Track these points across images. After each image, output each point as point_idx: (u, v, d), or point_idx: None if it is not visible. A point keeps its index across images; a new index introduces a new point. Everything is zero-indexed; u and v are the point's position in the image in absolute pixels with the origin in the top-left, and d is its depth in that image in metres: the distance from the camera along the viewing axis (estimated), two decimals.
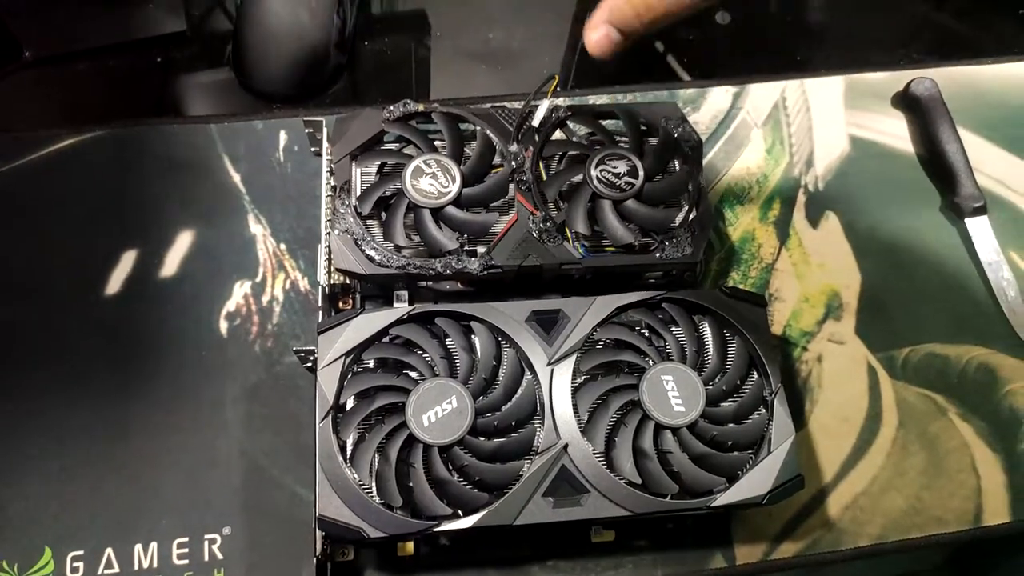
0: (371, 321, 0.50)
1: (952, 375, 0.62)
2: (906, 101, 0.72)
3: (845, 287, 0.65)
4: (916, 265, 0.66)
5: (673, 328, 0.52)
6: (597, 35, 0.46)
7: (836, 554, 0.56)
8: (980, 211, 0.67)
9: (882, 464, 0.59)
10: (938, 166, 0.69)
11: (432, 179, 0.53)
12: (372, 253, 0.52)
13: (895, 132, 0.72)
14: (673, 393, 0.50)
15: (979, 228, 0.67)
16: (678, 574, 0.55)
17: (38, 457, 0.55)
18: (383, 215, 0.54)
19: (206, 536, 0.54)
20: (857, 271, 0.66)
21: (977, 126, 0.72)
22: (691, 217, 0.56)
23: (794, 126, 0.72)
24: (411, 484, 0.47)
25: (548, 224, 0.53)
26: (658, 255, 0.54)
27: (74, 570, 0.53)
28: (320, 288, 0.54)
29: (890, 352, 0.63)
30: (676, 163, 0.58)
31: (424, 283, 0.55)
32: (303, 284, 0.62)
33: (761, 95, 0.73)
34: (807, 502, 0.57)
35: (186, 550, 0.53)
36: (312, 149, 0.63)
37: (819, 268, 0.66)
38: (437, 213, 0.53)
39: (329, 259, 0.55)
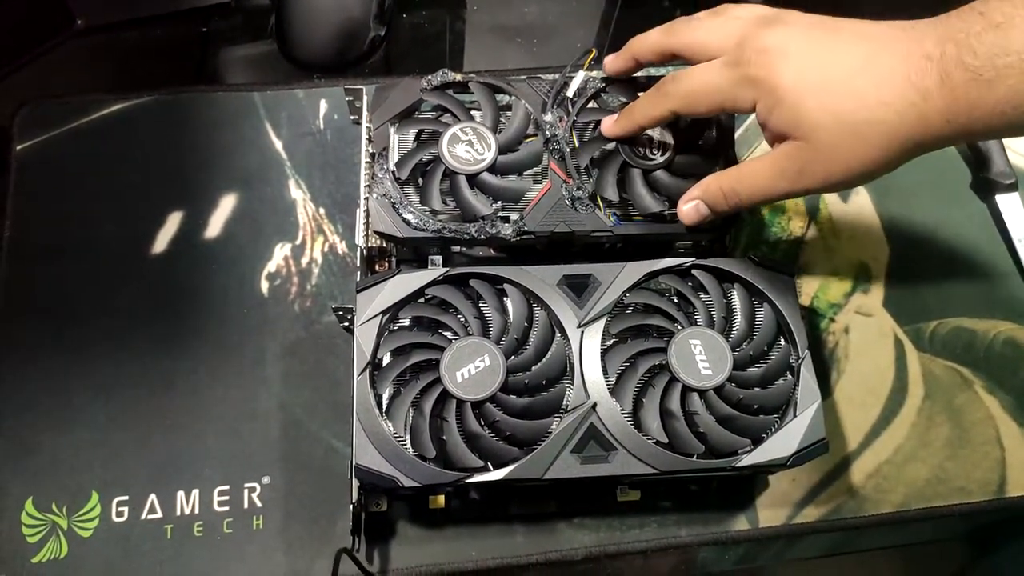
0: (408, 281, 0.52)
1: (979, 349, 0.63)
2: None
3: (874, 260, 0.66)
4: (945, 240, 0.67)
5: (702, 294, 0.53)
6: (688, 208, 0.52)
7: (858, 520, 0.57)
8: (1011, 188, 0.67)
9: (907, 434, 0.60)
10: (970, 143, 0.69)
11: (468, 146, 0.54)
12: (409, 217, 0.53)
13: None
14: (701, 357, 0.50)
15: (1010, 205, 0.67)
16: (701, 535, 0.56)
17: (87, 407, 0.58)
18: (420, 181, 0.55)
19: (246, 485, 0.56)
20: (886, 245, 0.66)
21: None
22: None
23: None
24: (444, 437, 0.49)
25: (580, 192, 0.55)
26: (689, 228, 0.55)
27: (119, 514, 0.55)
28: (358, 250, 0.56)
29: (917, 325, 0.63)
30: (710, 135, 0.59)
31: (458, 248, 0.56)
32: (341, 247, 0.64)
33: None
34: (831, 469, 0.58)
35: (227, 497, 0.56)
36: (351, 117, 0.65)
37: (848, 241, 0.66)
38: (472, 179, 0.54)
39: (367, 222, 0.56)
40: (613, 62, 0.55)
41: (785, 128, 0.44)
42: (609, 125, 0.54)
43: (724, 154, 0.57)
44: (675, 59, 0.50)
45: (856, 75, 0.41)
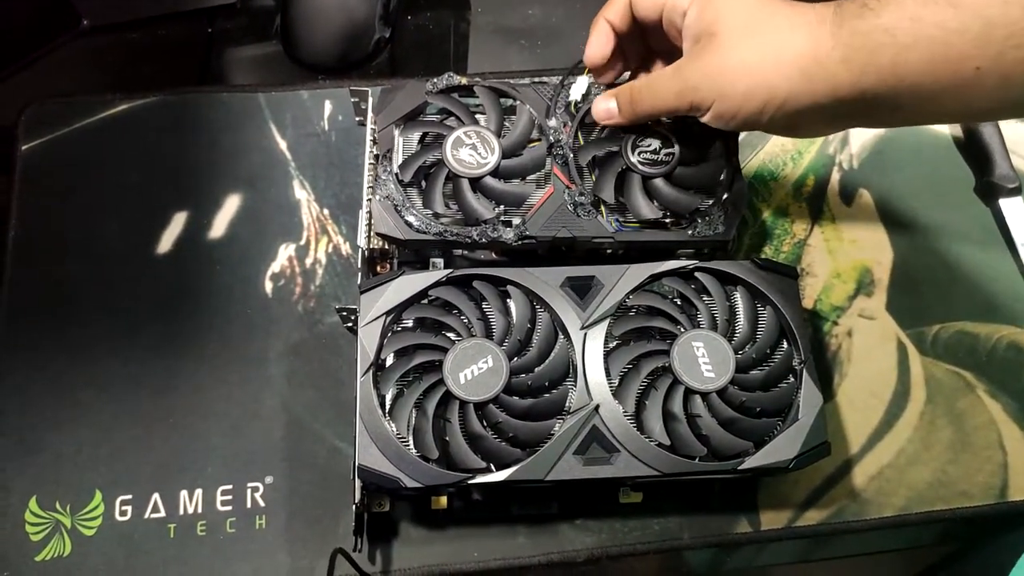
0: (411, 282, 0.52)
1: (982, 353, 0.63)
2: None
3: (877, 264, 0.66)
4: (948, 244, 0.67)
5: (705, 297, 0.53)
6: (600, 105, 0.53)
7: (860, 523, 0.57)
8: (1015, 192, 0.67)
9: (909, 437, 0.60)
10: (973, 146, 0.69)
11: (472, 150, 0.55)
12: (411, 219, 0.54)
13: None
14: (704, 359, 0.51)
15: (1013, 209, 0.67)
16: (703, 537, 0.56)
17: (91, 406, 0.58)
18: (423, 184, 0.56)
19: (249, 484, 0.56)
20: (889, 248, 0.66)
21: None
22: (725, 196, 0.56)
23: None
24: (447, 438, 0.49)
25: (583, 198, 0.55)
26: (690, 232, 0.55)
27: (122, 513, 0.55)
28: (359, 251, 0.56)
29: (920, 329, 0.64)
30: (716, 147, 0.58)
31: (459, 251, 0.56)
32: (345, 248, 0.64)
33: None
34: (833, 472, 0.58)
35: (229, 497, 0.56)
36: (356, 119, 0.65)
37: (851, 244, 0.66)
38: (475, 183, 0.54)
39: (369, 224, 0.56)
40: (592, 45, 0.54)
41: (706, 22, 0.46)
42: (588, 48, 0.54)
43: (728, 164, 0.57)
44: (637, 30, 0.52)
45: (779, 5, 0.45)
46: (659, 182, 0.55)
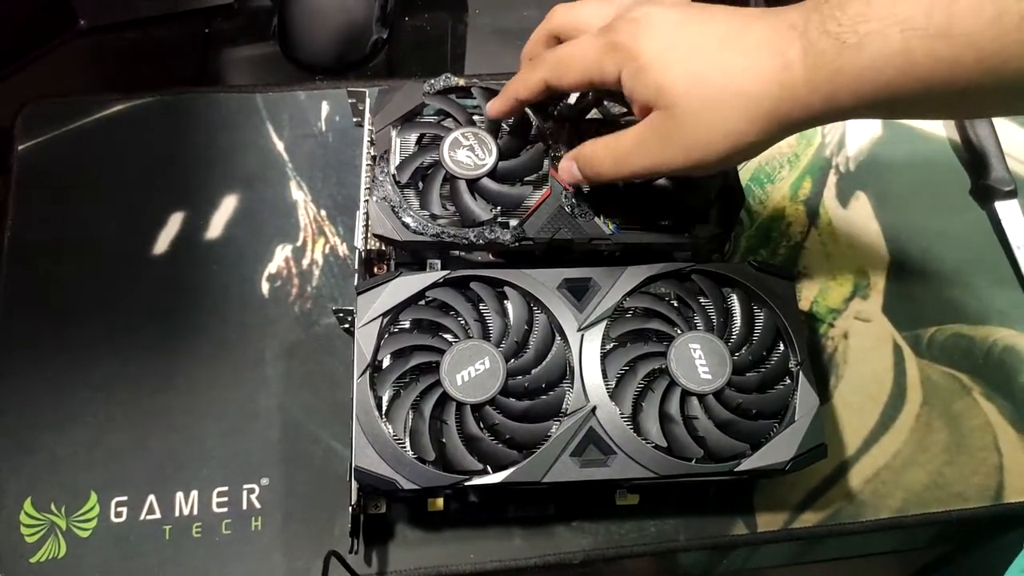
0: (408, 284, 0.52)
1: (978, 355, 0.63)
2: None
3: (873, 266, 0.66)
4: (944, 247, 0.67)
5: (702, 299, 0.53)
6: (563, 165, 0.51)
7: (856, 525, 0.57)
8: (1010, 195, 0.68)
9: (905, 440, 0.60)
10: (969, 150, 0.70)
11: (469, 151, 0.54)
12: (408, 221, 0.53)
13: None
14: (700, 361, 0.51)
15: (1009, 212, 0.67)
16: (700, 539, 0.56)
17: (87, 407, 0.58)
18: (420, 185, 0.56)
19: (245, 486, 0.56)
20: (885, 251, 0.66)
21: None
22: (721, 199, 0.56)
23: None
24: (443, 440, 0.49)
25: (581, 200, 0.55)
26: (686, 234, 0.55)
27: (118, 514, 0.55)
28: (356, 252, 0.56)
29: (916, 331, 0.64)
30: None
31: (457, 252, 0.56)
32: (342, 249, 0.64)
33: None
34: (829, 474, 0.58)
35: (225, 499, 0.56)
36: (354, 119, 0.65)
37: (848, 247, 0.66)
38: (472, 184, 0.54)
39: (367, 225, 0.56)
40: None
41: (649, 97, 0.42)
42: (490, 105, 0.53)
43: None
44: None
45: (723, 45, 0.41)
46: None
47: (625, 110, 0.58)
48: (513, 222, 0.54)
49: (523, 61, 0.53)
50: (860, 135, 0.71)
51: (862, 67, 0.37)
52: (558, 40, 0.50)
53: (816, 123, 0.41)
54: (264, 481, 0.56)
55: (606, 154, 0.47)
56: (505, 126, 0.56)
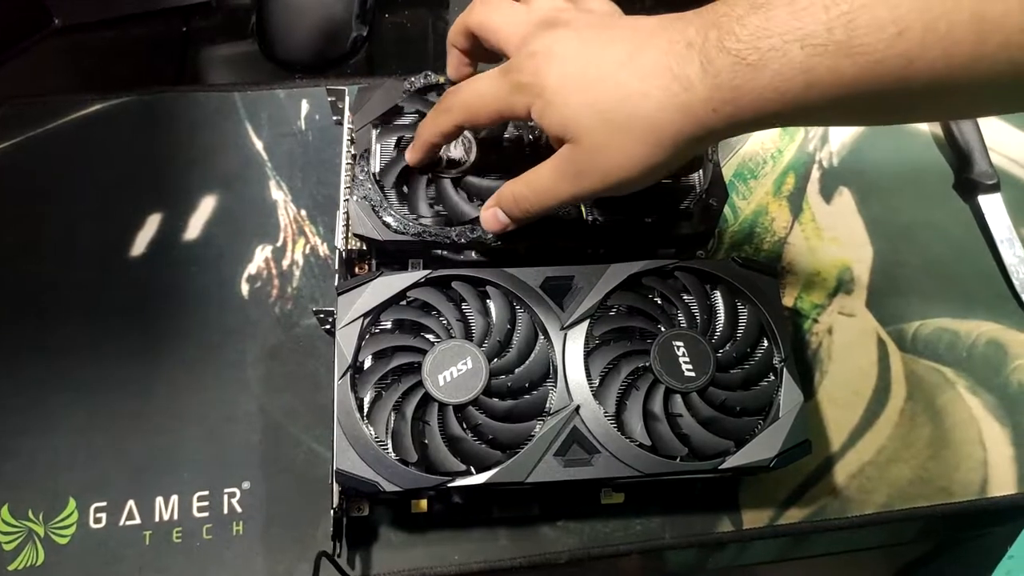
0: (389, 284, 0.51)
1: (961, 349, 0.63)
2: None
3: (857, 261, 0.66)
4: (928, 241, 0.67)
5: (685, 296, 0.53)
6: (487, 214, 0.50)
7: (842, 521, 0.57)
8: (993, 189, 0.68)
9: (889, 435, 0.60)
10: (952, 144, 0.70)
11: (451, 148, 0.54)
12: (389, 220, 0.53)
13: None
14: (684, 359, 0.50)
15: (992, 206, 0.67)
16: (686, 537, 0.56)
17: (65, 411, 0.57)
18: (404, 187, 0.55)
19: (226, 490, 0.55)
20: (869, 246, 0.66)
21: None
22: (704, 195, 0.56)
23: None
24: (426, 441, 0.48)
25: None
26: (670, 231, 0.55)
27: (97, 520, 0.54)
28: (337, 252, 0.55)
29: (900, 326, 0.64)
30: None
31: (439, 252, 0.56)
32: (322, 250, 0.63)
33: None
34: (814, 470, 0.58)
35: (206, 503, 0.55)
36: (334, 118, 0.64)
37: (831, 242, 0.66)
38: (458, 182, 0.54)
39: (347, 224, 0.56)
40: (448, 64, 0.54)
41: (557, 131, 0.43)
42: (408, 154, 0.53)
43: (707, 158, 0.57)
44: (478, 41, 0.50)
45: (619, 70, 0.40)
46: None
47: None
48: None
49: (448, 47, 0.52)
50: (843, 130, 0.71)
51: (763, 86, 0.36)
52: (474, 36, 0.49)
53: (723, 137, 0.41)
54: (245, 485, 0.55)
55: (529, 192, 0.47)
56: None
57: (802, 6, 0.35)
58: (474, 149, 0.54)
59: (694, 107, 0.38)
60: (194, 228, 0.63)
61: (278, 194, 0.65)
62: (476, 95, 0.46)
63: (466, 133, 0.54)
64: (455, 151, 0.54)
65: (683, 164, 0.43)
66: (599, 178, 0.43)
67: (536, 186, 0.46)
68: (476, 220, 0.53)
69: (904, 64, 0.34)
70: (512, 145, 0.55)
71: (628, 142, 0.41)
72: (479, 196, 0.54)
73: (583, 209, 0.54)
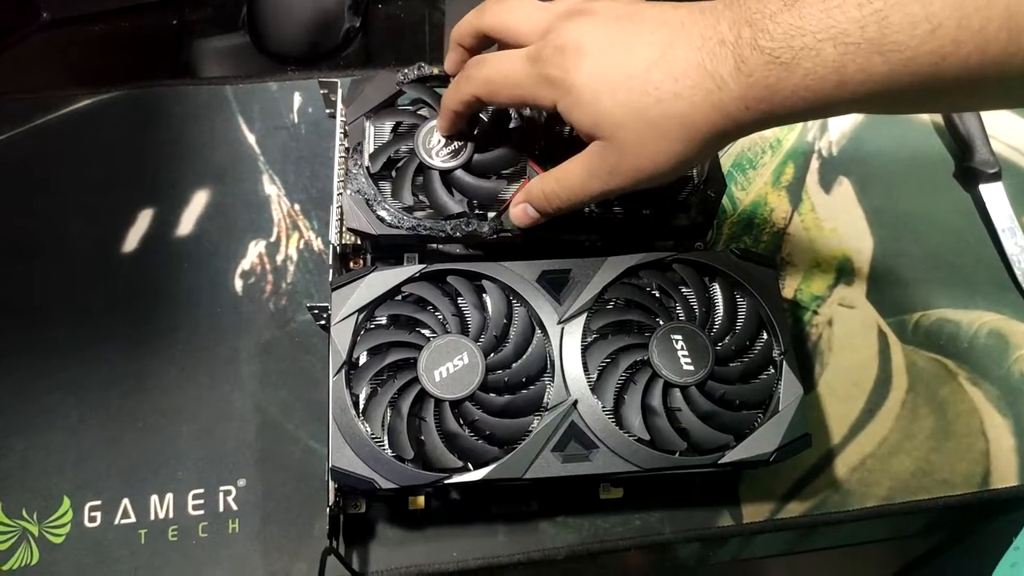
0: (384, 278, 0.51)
1: (963, 340, 0.62)
2: None
3: (857, 252, 0.65)
4: (929, 231, 0.66)
5: (683, 289, 0.53)
6: (516, 210, 0.51)
7: (843, 514, 0.57)
8: (995, 177, 0.67)
9: (891, 427, 0.59)
10: (953, 132, 0.69)
11: (445, 142, 0.53)
12: (383, 214, 0.52)
13: None
14: (682, 352, 0.50)
15: (993, 195, 0.67)
16: (685, 532, 0.56)
17: (58, 409, 0.56)
18: (394, 175, 0.54)
19: (221, 488, 0.55)
20: (869, 236, 0.66)
21: None
22: (703, 185, 0.55)
23: None
24: (422, 438, 0.48)
25: None
26: (668, 223, 0.54)
27: (91, 519, 0.54)
28: (331, 247, 0.55)
29: (901, 317, 0.63)
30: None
31: (434, 246, 0.55)
32: (317, 244, 0.63)
33: None
34: (815, 463, 0.58)
35: (201, 501, 0.54)
36: (327, 111, 0.63)
37: (831, 233, 0.66)
38: (446, 176, 0.53)
39: (341, 219, 0.55)
40: (448, 59, 0.53)
41: (588, 129, 0.42)
42: (438, 123, 0.52)
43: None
44: (491, 42, 0.49)
45: (652, 68, 0.40)
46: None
47: None
48: (491, 213, 0.53)
49: (451, 43, 0.52)
50: (842, 119, 0.70)
51: (795, 84, 0.36)
52: (487, 37, 0.49)
53: (753, 132, 0.41)
54: (241, 482, 0.55)
55: (559, 188, 0.47)
56: (483, 118, 0.55)
57: (835, 3, 0.35)
58: (470, 146, 0.53)
59: (727, 105, 0.38)
60: (186, 223, 0.63)
61: (271, 188, 0.64)
62: (501, 75, 0.46)
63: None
64: (452, 144, 0.53)
65: (711, 157, 0.42)
66: (631, 175, 0.43)
67: (567, 183, 0.46)
68: (459, 215, 0.52)
69: (936, 61, 0.33)
70: (508, 147, 0.54)
71: (661, 141, 0.41)
72: (464, 192, 0.53)
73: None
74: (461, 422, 0.48)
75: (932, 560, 0.64)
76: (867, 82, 0.35)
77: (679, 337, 0.50)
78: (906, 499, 0.57)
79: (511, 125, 0.55)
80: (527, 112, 0.55)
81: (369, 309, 0.50)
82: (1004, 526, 0.58)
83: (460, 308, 0.51)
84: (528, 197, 0.49)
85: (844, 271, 0.64)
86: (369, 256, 0.57)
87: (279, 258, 0.62)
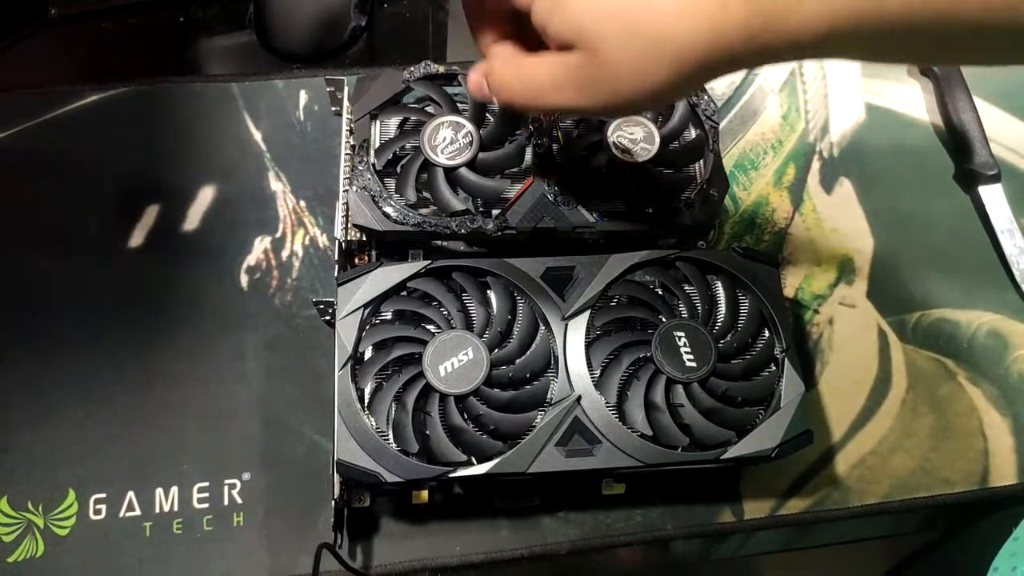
0: (389, 274, 0.51)
1: (962, 340, 0.63)
2: (922, 69, 0.73)
3: (858, 252, 0.65)
4: (929, 232, 0.67)
5: (686, 286, 0.53)
6: (474, 76, 0.45)
7: (843, 511, 0.57)
8: (994, 179, 0.68)
9: (891, 425, 0.60)
10: (953, 134, 0.70)
11: (451, 139, 0.54)
12: (389, 210, 0.53)
13: (911, 100, 0.73)
14: (685, 349, 0.50)
15: (992, 196, 0.67)
16: (687, 527, 0.56)
17: (64, 403, 0.57)
18: (399, 170, 0.55)
19: (226, 481, 0.55)
20: (870, 236, 0.66)
21: (992, 95, 0.72)
22: (705, 185, 0.56)
23: (810, 93, 0.72)
24: (427, 432, 0.48)
25: (564, 188, 0.54)
26: (671, 221, 0.54)
27: (97, 512, 0.54)
28: (336, 243, 0.55)
29: (901, 316, 0.64)
30: (692, 131, 0.58)
31: (439, 242, 0.55)
32: (322, 241, 0.63)
33: None
34: (815, 460, 0.58)
35: (206, 494, 0.55)
36: (332, 108, 0.64)
37: (832, 233, 0.66)
38: (450, 173, 0.53)
39: (346, 215, 0.55)
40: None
41: (568, 36, 0.37)
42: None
43: (709, 147, 0.56)
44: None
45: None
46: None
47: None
48: (496, 211, 0.53)
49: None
50: (843, 120, 0.71)
51: (805, 16, 0.33)
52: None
53: (745, 68, 0.38)
54: (245, 476, 0.55)
55: (519, 86, 0.42)
56: (490, 116, 0.56)
57: None
58: (475, 144, 0.53)
59: (727, 33, 0.35)
60: (192, 219, 0.63)
61: (277, 185, 0.65)
62: None
63: (470, 129, 0.53)
64: (457, 141, 0.53)
65: (689, 95, 0.38)
66: (603, 98, 0.38)
67: (530, 83, 0.41)
68: (461, 212, 0.52)
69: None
70: (514, 147, 0.54)
71: (650, 62, 0.36)
72: (468, 190, 0.53)
73: (583, 205, 0.54)
74: (465, 417, 0.49)
75: (930, 554, 0.65)
76: (876, 19, 0.33)
77: (682, 334, 0.50)
78: (905, 497, 0.58)
79: (518, 128, 0.56)
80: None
81: (375, 304, 0.50)
82: (1002, 521, 0.58)
83: (465, 304, 0.51)
84: (487, 75, 0.44)
85: (845, 271, 0.65)
86: (374, 252, 0.57)
87: (284, 254, 0.62)
